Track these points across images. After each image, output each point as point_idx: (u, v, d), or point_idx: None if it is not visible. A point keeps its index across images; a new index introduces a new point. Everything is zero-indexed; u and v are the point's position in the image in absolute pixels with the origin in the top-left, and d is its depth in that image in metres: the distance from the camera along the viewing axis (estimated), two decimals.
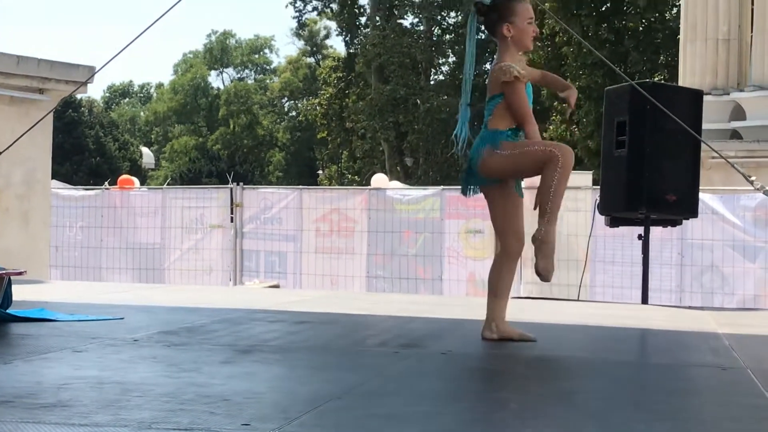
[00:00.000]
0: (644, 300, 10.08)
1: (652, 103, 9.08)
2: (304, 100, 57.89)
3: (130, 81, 80.00)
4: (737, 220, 12.47)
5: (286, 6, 50.20)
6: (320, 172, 55.16)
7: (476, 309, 6.40)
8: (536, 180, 5.48)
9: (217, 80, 71.01)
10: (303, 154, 59.73)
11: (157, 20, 7.14)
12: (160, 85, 75.91)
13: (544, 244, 5.40)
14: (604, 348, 5.85)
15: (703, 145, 10.01)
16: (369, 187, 16.04)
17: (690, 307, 10.28)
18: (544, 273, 5.44)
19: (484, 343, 5.49)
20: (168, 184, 27.03)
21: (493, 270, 5.62)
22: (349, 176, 46.85)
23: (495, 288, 5.58)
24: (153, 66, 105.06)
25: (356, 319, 7.05)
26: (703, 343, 5.99)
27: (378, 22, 41.80)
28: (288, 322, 6.55)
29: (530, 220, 5.61)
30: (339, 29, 45.44)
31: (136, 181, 18.63)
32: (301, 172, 57.66)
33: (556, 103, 31.81)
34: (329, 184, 48.81)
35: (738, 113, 18.19)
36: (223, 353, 4.89)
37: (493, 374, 4.83)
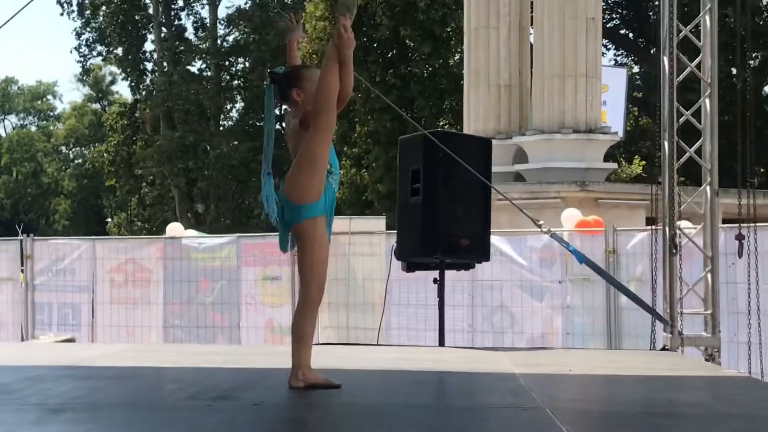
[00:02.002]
0: (441, 342, 10.36)
1: (444, 152, 9.41)
2: (91, 146, 56.87)
3: None
4: (524, 261, 12.85)
5: (71, 51, 49.36)
6: (109, 219, 54.22)
7: (280, 357, 6.51)
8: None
9: None
10: (90, 202, 58.59)
11: None
12: None
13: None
14: (406, 393, 6.04)
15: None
16: (164, 236, 15.91)
17: (485, 348, 10.61)
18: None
19: (292, 392, 5.60)
20: None
21: (297, 318, 5.77)
22: (139, 223, 46.21)
23: (300, 336, 5.72)
24: None
25: (162, 372, 7.07)
26: (501, 384, 6.25)
27: (165, 67, 41.53)
28: (94, 378, 6.52)
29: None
30: (124, 75, 44.91)
31: None
32: (89, 220, 56.51)
33: (345, 148, 32.27)
34: (119, 232, 48.04)
35: (521, 156, 18.82)
36: (33, 413, 4.87)
37: (305, 424, 4.95)
